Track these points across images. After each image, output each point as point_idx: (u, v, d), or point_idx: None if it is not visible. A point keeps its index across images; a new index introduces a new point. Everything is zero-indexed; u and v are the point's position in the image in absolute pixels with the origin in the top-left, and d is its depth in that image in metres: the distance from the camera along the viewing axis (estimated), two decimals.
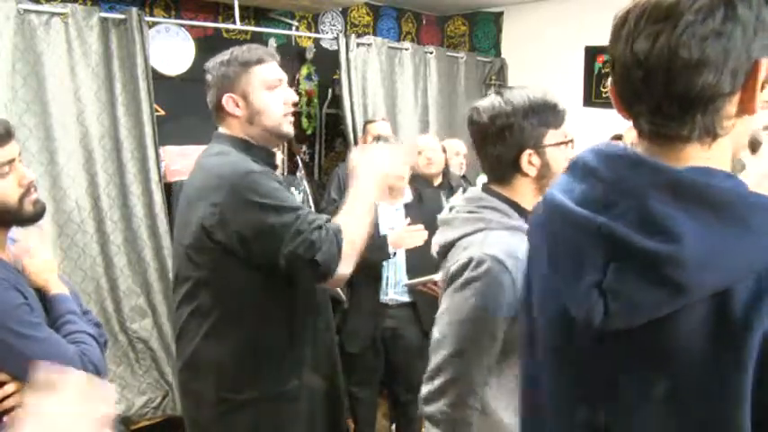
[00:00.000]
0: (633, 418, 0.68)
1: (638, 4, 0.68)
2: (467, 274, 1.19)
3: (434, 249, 1.38)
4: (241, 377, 1.47)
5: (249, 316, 1.46)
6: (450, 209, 1.38)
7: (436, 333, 1.24)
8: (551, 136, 1.25)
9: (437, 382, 1.21)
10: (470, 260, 1.20)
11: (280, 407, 1.49)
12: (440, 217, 1.38)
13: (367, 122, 3.31)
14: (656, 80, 0.66)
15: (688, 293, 0.62)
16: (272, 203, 1.35)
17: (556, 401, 0.79)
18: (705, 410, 0.64)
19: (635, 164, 0.68)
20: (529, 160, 1.24)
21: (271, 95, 1.49)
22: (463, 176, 3.41)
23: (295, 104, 1.55)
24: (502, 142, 1.24)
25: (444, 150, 3.10)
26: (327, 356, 1.62)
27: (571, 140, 1.27)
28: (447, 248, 1.32)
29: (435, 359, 1.22)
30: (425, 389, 1.24)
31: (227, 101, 1.48)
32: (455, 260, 1.24)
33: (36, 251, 1.32)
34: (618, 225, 0.64)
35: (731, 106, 0.66)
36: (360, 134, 3.45)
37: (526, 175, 1.25)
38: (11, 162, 1.21)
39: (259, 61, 1.48)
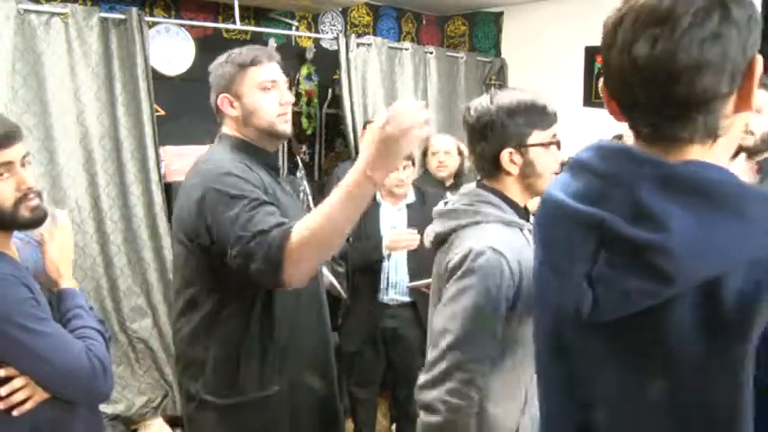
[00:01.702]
0: (627, 412, 0.69)
1: (631, 8, 0.67)
2: (467, 265, 1.21)
3: (429, 239, 1.40)
4: (222, 380, 1.46)
5: (229, 319, 1.45)
6: (445, 203, 1.41)
7: (438, 324, 1.24)
8: (536, 136, 1.27)
9: (436, 370, 1.21)
10: (470, 251, 1.21)
11: (260, 412, 1.47)
12: (435, 210, 1.40)
13: (367, 122, 3.31)
14: (657, 84, 0.66)
15: (676, 283, 0.62)
16: (235, 194, 1.32)
17: (553, 396, 0.79)
18: (700, 405, 0.64)
19: (631, 158, 0.69)
20: (510, 159, 1.27)
21: (264, 96, 1.49)
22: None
23: (295, 104, 1.55)
24: (485, 139, 1.29)
25: (461, 152, 3.08)
26: (319, 356, 1.60)
27: (556, 142, 1.30)
28: (442, 238, 1.34)
29: (436, 349, 1.23)
30: (423, 378, 1.23)
31: (222, 101, 1.50)
32: (453, 252, 1.26)
33: (56, 236, 1.33)
34: (608, 215, 0.65)
35: (729, 105, 0.67)
36: (360, 134, 3.45)
37: (509, 173, 1.29)
38: (8, 164, 1.20)
39: (254, 62, 1.49)
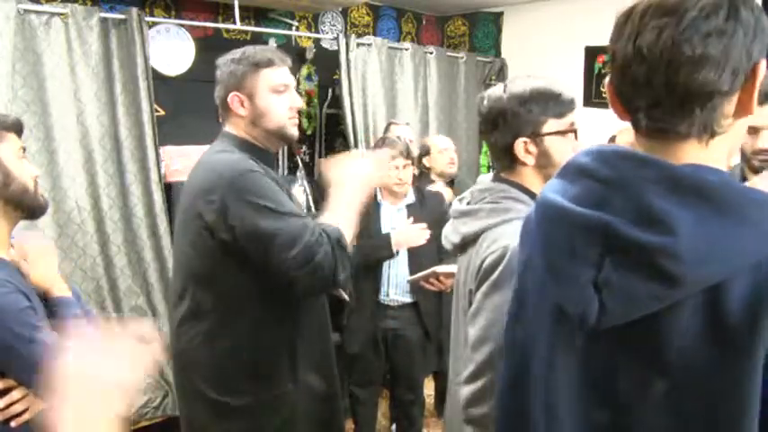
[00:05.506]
0: (632, 417, 0.68)
1: (642, 1, 0.69)
2: (503, 267, 1.16)
3: (452, 240, 1.34)
4: (237, 381, 1.46)
5: (247, 319, 1.45)
6: (461, 200, 1.36)
7: (476, 331, 1.18)
8: (552, 124, 1.22)
9: (480, 383, 1.16)
10: (505, 252, 1.16)
11: (276, 410, 1.48)
12: (454, 209, 1.35)
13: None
14: (658, 74, 0.67)
15: (683, 286, 0.62)
16: (268, 206, 1.35)
17: (559, 403, 0.78)
18: (705, 409, 0.63)
19: (634, 161, 0.68)
20: (525, 148, 1.23)
21: (276, 99, 1.50)
22: None
23: (300, 111, 1.56)
24: (497, 129, 1.24)
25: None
26: (324, 357, 1.61)
27: (573, 130, 1.24)
28: (469, 240, 1.28)
29: (477, 358, 1.17)
30: (469, 390, 1.18)
31: (233, 99, 1.49)
32: (485, 253, 1.21)
33: (36, 256, 1.33)
34: (613, 219, 0.65)
35: (729, 106, 0.67)
36: (360, 134, 3.44)
37: (524, 163, 1.24)
38: (24, 150, 1.26)
39: (269, 64, 1.49)
